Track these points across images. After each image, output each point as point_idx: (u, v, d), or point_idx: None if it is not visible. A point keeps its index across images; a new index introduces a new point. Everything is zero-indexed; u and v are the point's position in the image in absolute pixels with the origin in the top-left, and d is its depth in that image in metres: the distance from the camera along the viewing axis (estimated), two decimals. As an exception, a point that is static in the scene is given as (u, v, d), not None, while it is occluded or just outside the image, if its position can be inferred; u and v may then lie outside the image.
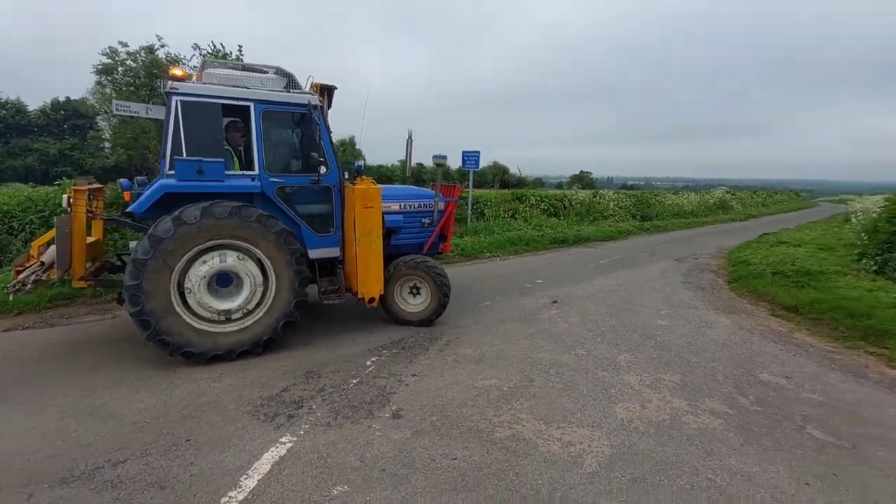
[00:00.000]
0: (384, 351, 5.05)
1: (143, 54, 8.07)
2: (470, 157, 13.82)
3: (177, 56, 8.91)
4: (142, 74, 7.95)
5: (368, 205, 5.18)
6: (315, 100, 5.14)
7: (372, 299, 5.44)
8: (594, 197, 19.99)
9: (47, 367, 4.44)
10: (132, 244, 5.20)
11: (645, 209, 21.53)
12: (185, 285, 4.46)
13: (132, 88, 8.48)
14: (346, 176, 5.73)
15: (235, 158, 5.24)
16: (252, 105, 4.84)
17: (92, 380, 4.16)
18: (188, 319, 4.49)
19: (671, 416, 3.76)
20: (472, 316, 6.49)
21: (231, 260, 4.62)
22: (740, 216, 27.31)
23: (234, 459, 3.01)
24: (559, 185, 45.27)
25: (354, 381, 4.24)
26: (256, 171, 4.90)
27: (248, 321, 4.76)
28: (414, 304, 6.00)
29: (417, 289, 5.99)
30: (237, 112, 4.98)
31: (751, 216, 28.15)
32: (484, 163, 33.15)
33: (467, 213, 14.26)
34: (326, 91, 6.46)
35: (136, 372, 4.32)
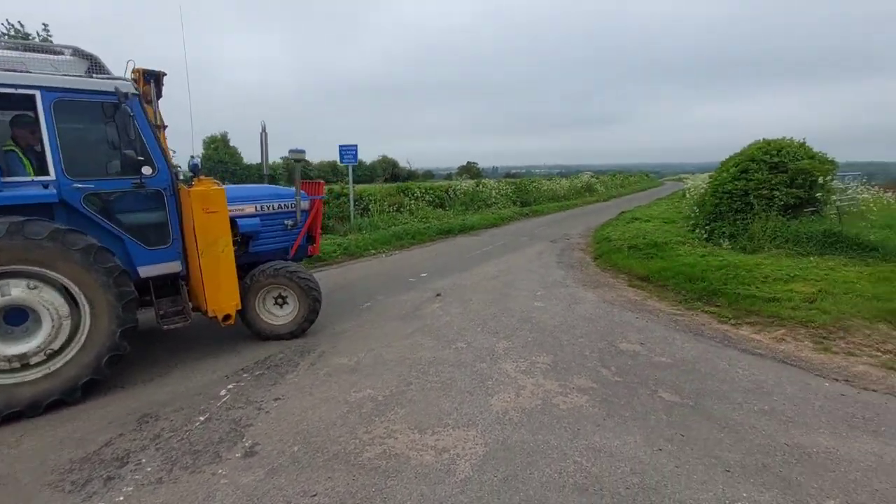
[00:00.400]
0: (244, 375, 4.44)
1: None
2: (347, 151, 13.23)
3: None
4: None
5: (210, 209, 4.49)
6: (126, 86, 4.27)
7: (227, 316, 4.77)
8: (477, 186, 20.63)
9: None
10: None
11: (524, 195, 22.84)
12: None
13: None
14: (182, 177, 4.94)
15: (27, 161, 4.15)
16: (39, 93, 3.90)
17: None
18: None
19: (543, 401, 3.82)
20: (351, 319, 6.10)
21: (17, 291, 3.64)
22: (604, 197, 30.48)
23: (15, 557, 2.29)
24: (448, 177, 46.26)
25: (201, 419, 3.61)
26: (52, 176, 3.96)
27: (57, 363, 3.82)
28: (281, 315, 5.41)
29: (283, 298, 5.41)
30: (20, 103, 4.00)
31: (612, 196, 31.60)
32: (373, 157, 32.42)
33: (349, 210, 13.67)
34: (153, 78, 5.49)
35: None
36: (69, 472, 2.96)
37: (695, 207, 11.52)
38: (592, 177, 33.89)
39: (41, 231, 3.63)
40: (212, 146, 66.97)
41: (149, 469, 2.97)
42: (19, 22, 7.12)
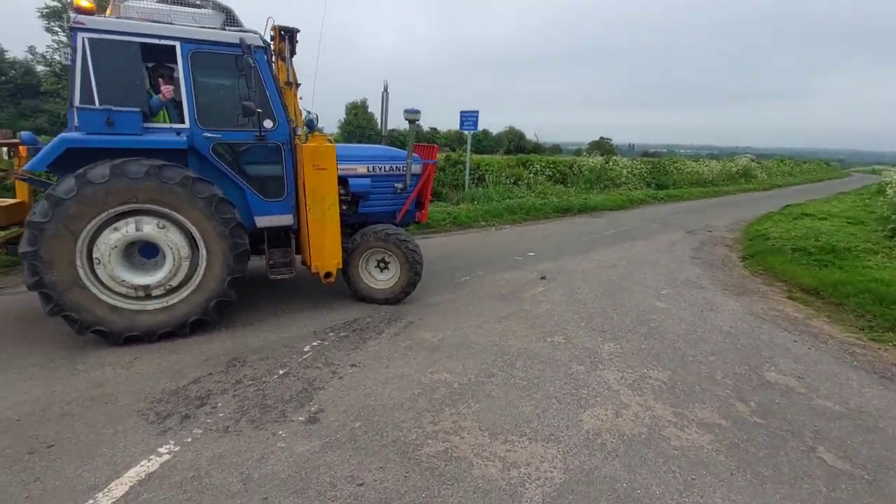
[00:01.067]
0: (331, 334, 4.43)
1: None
2: (468, 117, 12.81)
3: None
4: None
5: (320, 166, 4.47)
6: (254, 39, 4.32)
7: (328, 274, 4.80)
8: (606, 163, 18.79)
9: (-55, 345, 3.94)
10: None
11: (661, 177, 20.26)
12: (94, 255, 3.83)
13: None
14: (300, 132, 4.91)
15: (164, 110, 4.46)
16: (178, 44, 4.09)
17: (-17, 362, 3.64)
18: (100, 294, 3.89)
19: (649, 429, 3.08)
20: (446, 292, 5.82)
21: (149, 228, 3.95)
22: (764, 185, 25.77)
23: (91, 476, 2.44)
24: (577, 152, 43.43)
25: (281, 372, 3.63)
26: (186, 125, 4.20)
27: (173, 299, 4.14)
28: (381, 279, 5.34)
29: (386, 263, 5.32)
30: (162, 54, 4.24)
31: (775, 186, 26.57)
32: (500, 127, 31.67)
33: (465, 178, 13.38)
34: (287, 35, 5.61)
35: (37, 356, 3.78)
36: (157, 403, 3.16)
37: (900, 207, 8.81)
38: (752, 160, 28.83)
39: (174, 176, 3.87)
40: (352, 112, 72.39)
41: (221, 415, 3.03)
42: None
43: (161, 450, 2.67)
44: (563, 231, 10.63)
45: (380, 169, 5.50)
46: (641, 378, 3.78)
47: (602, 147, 47.52)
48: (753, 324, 5.18)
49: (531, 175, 15.58)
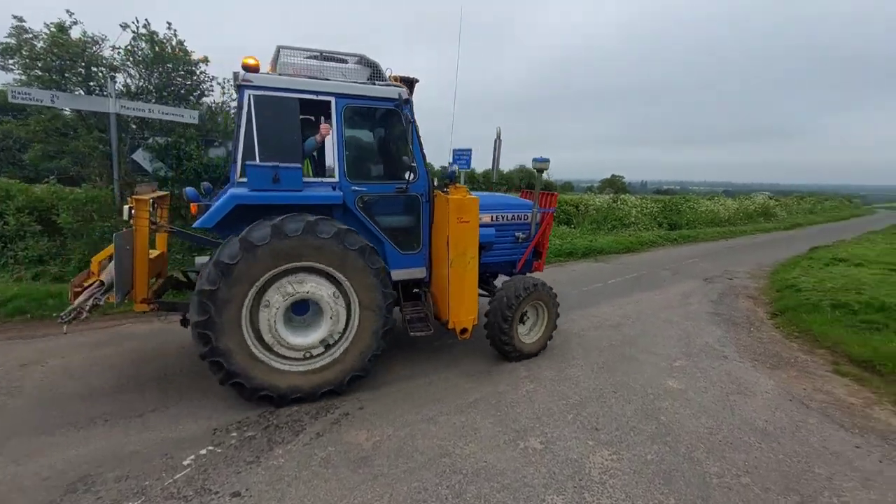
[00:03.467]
0: (233, 434, 3.38)
1: (51, 31, 6.94)
2: (461, 155, 12.04)
3: (97, 36, 7.67)
4: (52, 58, 6.90)
5: (463, 219, 4.34)
6: (406, 93, 4.28)
7: (464, 329, 4.56)
8: (614, 202, 17.82)
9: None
10: (199, 260, 4.58)
11: (674, 216, 19.13)
12: (262, 317, 3.71)
13: (47, 74, 7.31)
14: (435, 183, 4.73)
15: (307, 162, 4.47)
16: (334, 100, 4.06)
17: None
18: (265, 357, 3.75)
19: None
20: (404, 365, 4.75)
21: (309, 286, 3.82)
22: (785, 225, 24.35)
23: None
24: (589, 189, 42.66)
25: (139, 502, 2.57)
26: (336, 179, 4.10)
27: (329, 357, 3.98)
28: (523, 333, 5.02)
29: (525, 314, 5.06)
30: (314, 108, 4.27)
31: (797, 225, 25.13)
32: (510, 166, 31.15)
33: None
34: (407, 85, 5.22)
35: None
36: None
37: (957, 255, 7.54)
38: (770, 198, 27.59)
39: (329, 230, 3.75)
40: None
41: None
42: (146, 20, 7.83)
43: None
44: (563, 280, 9.52)
45: (503, 218, 5.35)
46: (645, 520, 2.62)
47: (614, 184, 46.77)
48: (797, 416, 3.97)
49: (533, 216, 14.64)
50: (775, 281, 9.43)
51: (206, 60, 9.03)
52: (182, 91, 9.11)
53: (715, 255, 13.35)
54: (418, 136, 4.39)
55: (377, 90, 4.22)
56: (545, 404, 4.00)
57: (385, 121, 4.53)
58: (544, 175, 5.66)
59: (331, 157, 4.15)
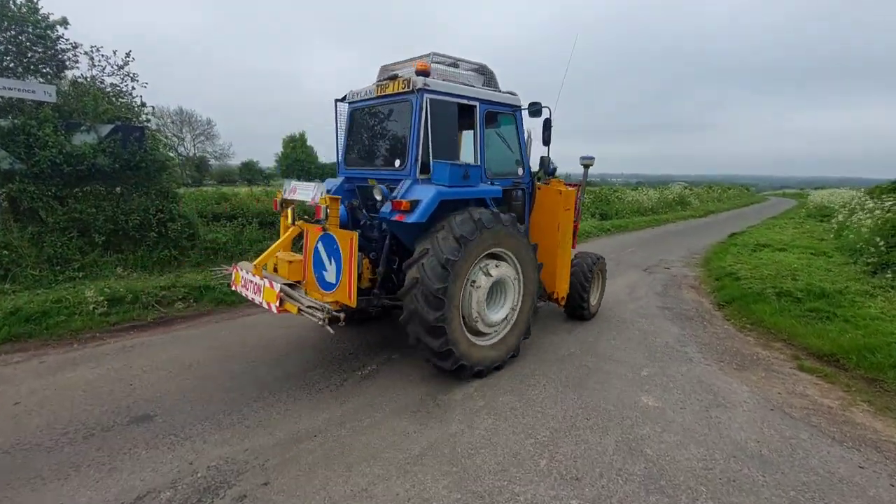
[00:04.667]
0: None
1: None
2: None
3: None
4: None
5: (567, 207, 5.20)
6: (520, 100, 4.95)
7: (562, 297, 5.47)
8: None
9: None
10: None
11: (605, 207, 19.49)
12: (473, 301, 4.06)
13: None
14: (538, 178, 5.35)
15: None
16: (478, 105, 4.50)
17: None
18: (471, 337, 4.13)
19: None
20: (332, 403, 3.72)
21: (502, 268, 4.30)
22: (700, 212, 25.96)
23: None
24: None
25: None
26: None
27: (501, 333, 4.45)
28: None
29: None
30: (465, 112, 4.46)
31: (710, 212, 26.93)
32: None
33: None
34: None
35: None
36: None
37: (877, 238, 7.87)
38: (686, 187, 29.39)
39: (506, 219, 4.22)
40: (290, 145, 69.51)
41: None
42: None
43: None
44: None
45: None
46: None
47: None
48: (786, 430, 3.50)
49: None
50: (711, 269, 9.48)
51: (63, 23, 7.18)
52: (33, 61, 7.21)
53: (647, 244, 13.50)
54: (526, 137, 5.08)
55: (505, 97, 4.79)
56: (510, 446, 3.19)
57: (500, 122, 4.94)
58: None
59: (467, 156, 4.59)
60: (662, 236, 15.68)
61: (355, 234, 3.68)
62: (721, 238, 14.55)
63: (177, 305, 6.21)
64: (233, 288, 4.32)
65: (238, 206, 9.05)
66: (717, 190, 37.32)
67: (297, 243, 4.51)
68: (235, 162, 62.69)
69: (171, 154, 8.50)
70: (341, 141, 4.95)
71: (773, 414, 3.76)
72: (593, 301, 6.02)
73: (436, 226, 3.88)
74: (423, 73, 4.00)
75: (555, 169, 5.28)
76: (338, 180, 4.88)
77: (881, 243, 7.51)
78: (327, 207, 3.81)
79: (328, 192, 3.94)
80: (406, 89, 4.08)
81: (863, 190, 16.38)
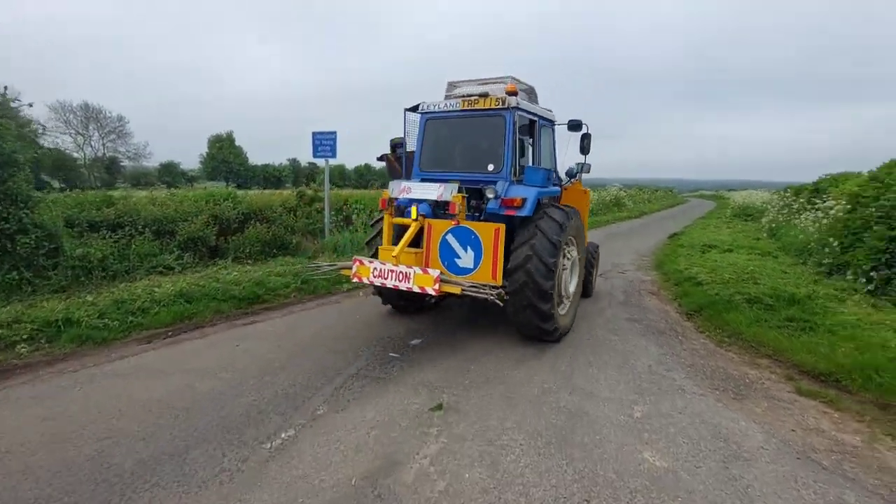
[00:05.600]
0: None
1: None
2: (323, 140, 9.63)
3: None
4: None
5: (587, 204, 6.75)
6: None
7: None
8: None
9: None
10: None
11: (547, 208, 19.18)
12: (564, 277, 5.10)
13: None
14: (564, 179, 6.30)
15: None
16: (538, 120, 5.52)
17: None
18: (557, 307, 4.98)
19: None
20: (239, 474, 2.48)
21: (573, 250, 5.42)
22: (635, 213, 26.72)
23: None
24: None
25: None
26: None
27: (566, 307, 5.33)
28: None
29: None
30: (528, 126, 5.46)
31: (643, 213, 27.84)
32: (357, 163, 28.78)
33: (324, 222, 10.09)
34: None
35: None
36: None
37: (831, 238, 7.76)
38: (621, 189, 30.25)
39: (574, 213, 5.22)
40: (216, 145, 64.21)
41: None
42: None
43: None
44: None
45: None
46: None
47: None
48: (828, 491, 2.77)
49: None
50: (667, 273, 9.10)
51: None
52: None
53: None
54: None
55: (550, 114, 5.86)
56: (491, 569, 2.14)
57: (539, 134, 5.62)
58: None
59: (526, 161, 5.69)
60: (607, 237, 15.50)
61: (502, 226, 4.48)
62: (663, 239, 14.60)
63: (19, 349, 4.57)
64: (354, 280, 4.69)
65: (126, 212, 7.30)
66: (647, 192, 39.04)
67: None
68: (153, 163, 56.94)
69: (31, 148, 6.64)
70: (416, 147, 5.46)
71: (801, 465, 3.03)
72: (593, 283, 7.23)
73: (535, 215, 4.73)
74: (513, 93, 4.79)
75: (577, 173, 6.18)
76: (413, 182, 5.17)
77: (836, 244, 7.37)
78: (460, 204, 4.60)
79: (457, 191, 4.64)
80: (500, 106, 4.84)
81: (784, 191, 17.23)
